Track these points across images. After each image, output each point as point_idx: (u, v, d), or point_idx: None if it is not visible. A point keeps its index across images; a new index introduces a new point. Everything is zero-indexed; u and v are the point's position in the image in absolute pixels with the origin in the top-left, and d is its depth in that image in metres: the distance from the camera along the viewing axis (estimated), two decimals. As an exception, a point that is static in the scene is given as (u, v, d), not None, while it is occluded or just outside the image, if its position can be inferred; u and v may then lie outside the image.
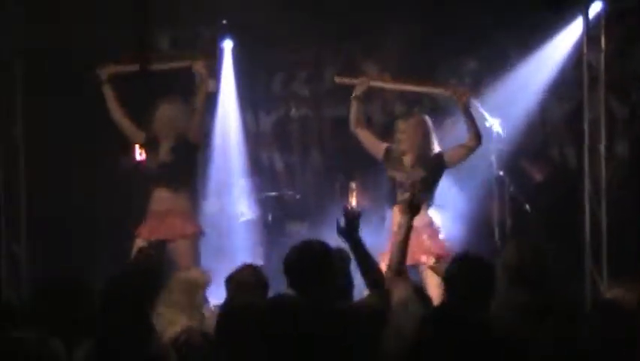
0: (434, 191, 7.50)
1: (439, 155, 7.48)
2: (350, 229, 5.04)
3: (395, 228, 7.11)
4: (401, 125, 7.61)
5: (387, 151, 7.55)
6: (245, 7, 8.67)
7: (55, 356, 3.97)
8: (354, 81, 7.73)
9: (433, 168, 7.46)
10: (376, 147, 7.63)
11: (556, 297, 5.04)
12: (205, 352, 4.69)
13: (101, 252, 8.30)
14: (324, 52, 9.69)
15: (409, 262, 6.92)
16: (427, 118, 7.59)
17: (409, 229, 5.31)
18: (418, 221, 7.04)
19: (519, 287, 5.04)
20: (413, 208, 5.38)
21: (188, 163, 7.68)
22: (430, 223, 7.43)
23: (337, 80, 8.08)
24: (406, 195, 5.59)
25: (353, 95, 7.63)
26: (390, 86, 8.19)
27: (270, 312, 4.13)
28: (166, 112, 7.66)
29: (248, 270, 5.37)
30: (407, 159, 7.51)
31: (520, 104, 8.88)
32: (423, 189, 7.28)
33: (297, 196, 9.39)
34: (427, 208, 7.39)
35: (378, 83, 7.99)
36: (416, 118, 7.62)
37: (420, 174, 7.42)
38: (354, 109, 7.65)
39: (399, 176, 7.49)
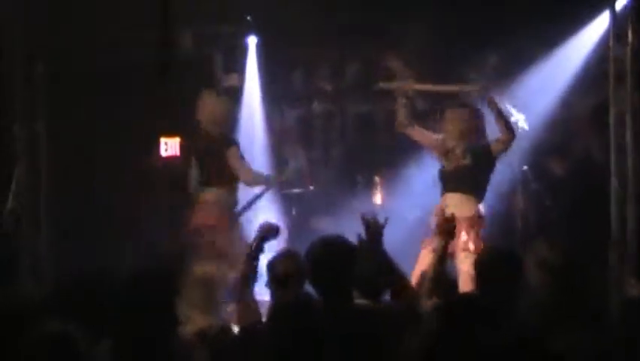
0: (482, 182, 7.47)
1: (486, 146, 7.47)
2: (372, 245, 4.96)
3: (436, 219, 7.12)
4: (448, 114, 7.58)
5: (441, 142, 7.55)
6: (267, 4, 8.67)
7: (77, 351, 3.98)
8: (397, 85, 7.71)
9: (481, 159, 7.44)
10: (432, 140, 7.61)
11: (588, 296, 5.03)
12: (235, 347, 4.69)
13: (122, 249, 8.32)
14: (346, 48, 9.67)
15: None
16: (476, 107, 7.57)
17: (443, 253, 5.21)
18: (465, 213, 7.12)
19: (551, 285, 5.02)
20: (446, 232, 5.26)
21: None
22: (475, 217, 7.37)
23: (381, 85, 8.04)
24: (438, 219, 5.45)
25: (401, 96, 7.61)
26: (426, 88, 8.10)
27: (291, 311, 4.10)
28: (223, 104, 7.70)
29: (287, 258, 5.39)
30: (457, 149, 7.48)
31: (545, 99, 8.83)
32: (471, 180, 7.37)
33: (311, 187, 9.34)
34: (477, 202, 7.37)
35: (417, 86, 7.93)
36: (463, 108, 7.59)
37: (467, 163, 7.40)
38: (401, 110, 7.61)
39: (447, 165, 7.49)
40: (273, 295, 5.27)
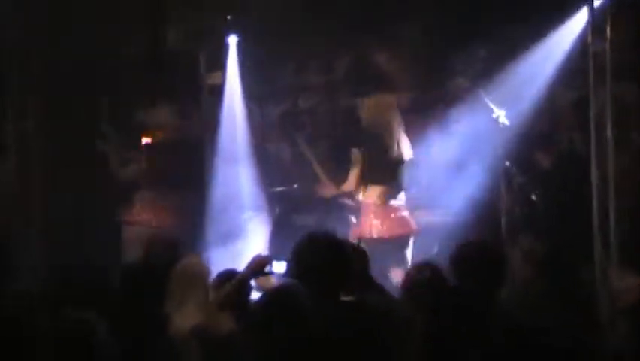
0: None
1: None
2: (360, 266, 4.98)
3: None
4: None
5: None
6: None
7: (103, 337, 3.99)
8: None
9: None
10: None
11: (573, 287, 5.06)
12: (223, 343, 4.69)
13: (114, 248, 8.33)
14: (335, 42, 9.65)
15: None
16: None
17: None
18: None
19: (540, 277, 5.05)
20: None
21: None
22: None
23: None
24: None
25: None
26: None
27: (274, 305, 4.08)
28: None
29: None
30: None
31: (528, 93, 8.86)
32: None
33: (295, 185, 9.37)
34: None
35: None
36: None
37: None
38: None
39: None
40: None
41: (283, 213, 9.22)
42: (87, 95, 8.61)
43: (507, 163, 8.55)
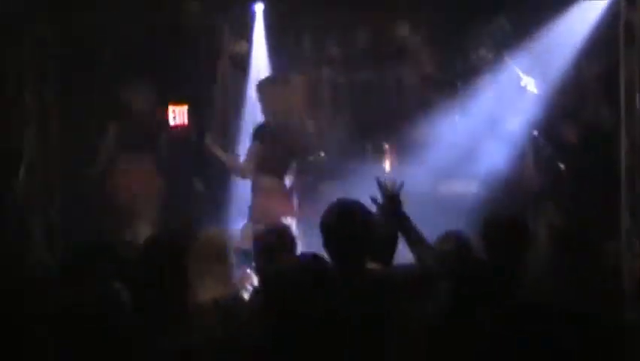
0: None
1: None
2: (391, 207, 4.92)
3: None
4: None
5: None
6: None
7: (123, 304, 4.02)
8: None
9: None
10: None
11: (600, 260, 5.03)
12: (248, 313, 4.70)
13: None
14: (355, 13, 9.58)
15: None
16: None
17: None
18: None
19: (564, 250, 5.02)
20: None
21: None
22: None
23: None
24: None
25: None
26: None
27: (301, 278, 4.06)
28: None
29: (275, 233, 5.39)
30: None
31: (554, 64, 8.76)
32: None
33: (322, 154, 9.35)
34: None
35: None
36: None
37: None
38: None
39: None
40: (258, 268, 5.37)
41: (311, 182, 9.20)
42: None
43: (535, 133, 8.47)
